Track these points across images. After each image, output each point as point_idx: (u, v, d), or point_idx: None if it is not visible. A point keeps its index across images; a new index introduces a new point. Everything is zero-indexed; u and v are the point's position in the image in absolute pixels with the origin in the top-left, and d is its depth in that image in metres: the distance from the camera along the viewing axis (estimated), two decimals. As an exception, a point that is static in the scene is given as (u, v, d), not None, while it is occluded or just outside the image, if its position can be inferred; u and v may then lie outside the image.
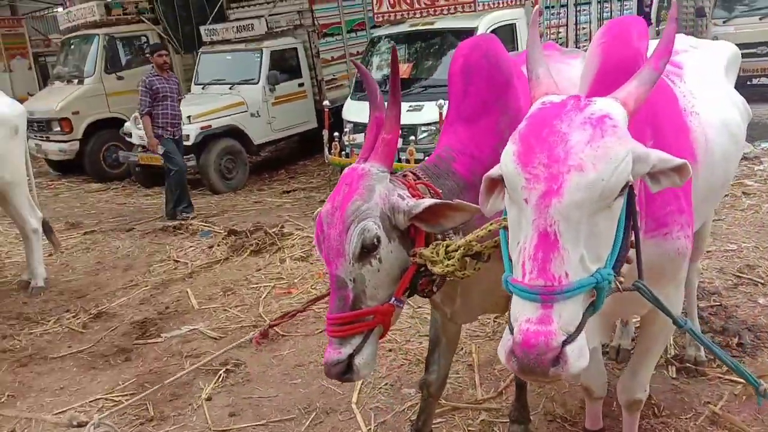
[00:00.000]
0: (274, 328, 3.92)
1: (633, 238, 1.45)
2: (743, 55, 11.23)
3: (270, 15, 9.53)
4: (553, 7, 7.77)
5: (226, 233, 5.99)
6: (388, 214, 1.73)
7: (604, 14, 8.66)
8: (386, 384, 3.35)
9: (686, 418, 2.85)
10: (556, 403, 3.04)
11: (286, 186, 8.50)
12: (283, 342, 3.86)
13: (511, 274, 1.36)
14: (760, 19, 11.01)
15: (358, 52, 9.36)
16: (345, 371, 1.73)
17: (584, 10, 8.29)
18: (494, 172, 1.49)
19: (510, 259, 1.41)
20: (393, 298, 1.77)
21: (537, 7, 1.92)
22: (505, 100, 2.07)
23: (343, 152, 6.78)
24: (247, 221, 6.43)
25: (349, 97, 7.67)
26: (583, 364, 1.28)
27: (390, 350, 3.69)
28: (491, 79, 2.05)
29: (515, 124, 1.46)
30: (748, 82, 11.98)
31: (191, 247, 5.87)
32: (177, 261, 5.54)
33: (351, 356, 1.73)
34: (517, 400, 2.75)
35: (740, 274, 4.26)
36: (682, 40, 3.05)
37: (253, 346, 3.81)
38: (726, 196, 6.20)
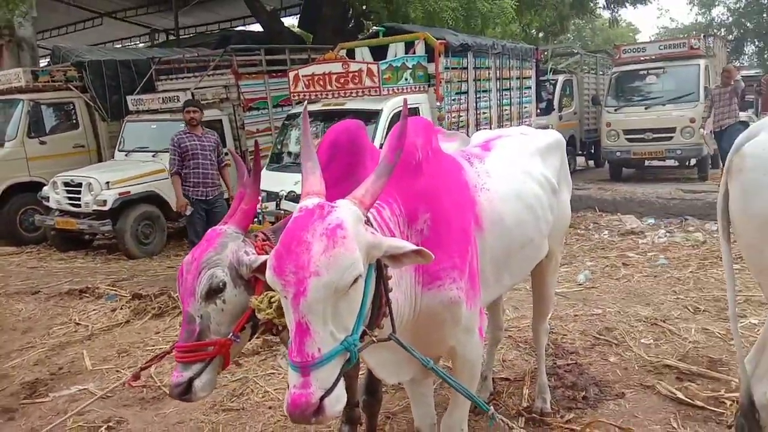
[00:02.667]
0: (164, 389, 4.13)
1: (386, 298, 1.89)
2: (633, 140, 12.56)
3: (196, 88, 9.92)
4: (456, 93, 8.50)
5: (130, 297, 6.09)
6: (235, 266, 2.09)
7: (504, 101, 9.49)
8: (261, 438, 3.54)
9: (522, 461, 3.18)
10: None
11: (202, 252, 8.65)
12: (168, 401, 3.98)
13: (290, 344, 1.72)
14: (646, 108, 12.27)
15: (282, 125, 9.84)
16: (185, 392, 2.04)
17: (484, 96, 9.08)
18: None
19: None
20: (231, 334, 2.10)
21: (305, 105, 2.32)
22: (357, 175, 2.46)
23: (256, 219, 7.07)
24: (155, 285, 6.55)
25: (264, 168, 8.03)
26: (340, 408, 1.70)
27: (270, 407, 3.89)
28: (351, 158, 2.42)
29: None
30: (645, 164, 13.18)
31: (94, 310, 5.94)
32: (78, 324, 5.59)
33: (191, 379, 2.04)
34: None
35: (598, 336, 4.73)
36: (516, 129, 3.62)
37: (138, 404, 3.96)
38: (606, 266, 6.85)
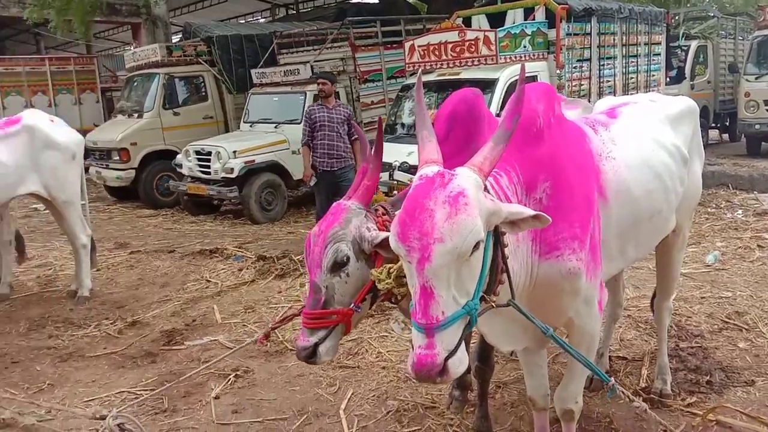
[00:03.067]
0: (287, 344, 4.41)
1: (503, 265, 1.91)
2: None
3: (315, 61, 10.23)
4: (578, 60, 8.15)
5: (255, 258, 6.50)
6: (358, 241, 2.19)
7: (630, 68, 8.96)
8: (374, 396, 3.70)
9: (639, 441, 3.10)
10: (524, 421, 3.33)
11: (320, 219, 9.01)
12: (290, 354, 4.26)
13: (413, 307, 1.78)
14: (792, 76, 11.11)
15: (396, 96, 9.94)
16: (310, 355, 2.19)
17: (609, 64, 8.62)
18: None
19: None
20: (353, 304, 2.21)
21: (419, 74, 2.31)
22: (476, 145, 2.48)
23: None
24: (278, 249, 6.92)
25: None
26: (462, 369, 1.76)
27: (383, 368, 4.05)
28: (470, 128, 2.44)
29: None
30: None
31: (223, 269, 6.40)
32: (209, 281, 6.06)
33: (316, 345, 2.19)
34: (478, 411, 3.08)
35: (727, 320, 4.45)
36: (645, 95, 3.44)
37: (263, 356, 4.27)
38: (738, 248, 6.38)
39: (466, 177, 1.77)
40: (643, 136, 2.76)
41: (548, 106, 2.26)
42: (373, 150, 2.40)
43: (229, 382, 3.92)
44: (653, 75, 9.69)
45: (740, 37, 15.03)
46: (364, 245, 2.19)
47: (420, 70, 2.81)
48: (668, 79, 11.15)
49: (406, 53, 8.07)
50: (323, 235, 2.19)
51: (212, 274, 6.24)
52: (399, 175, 7.01)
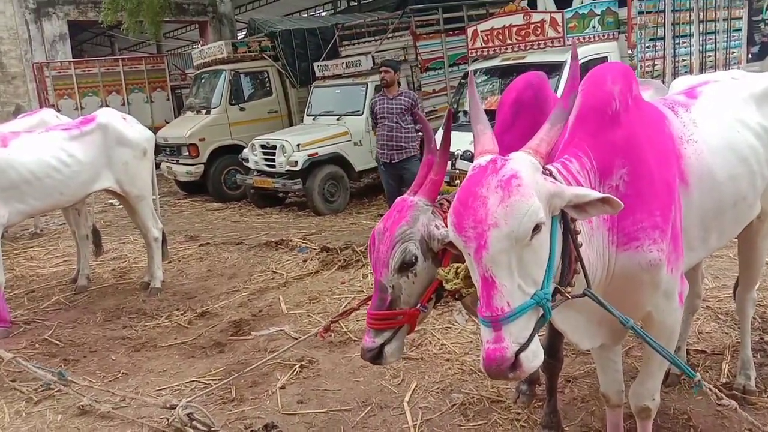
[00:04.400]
0: (351, 334, 4.42)
1: (576, 254, 1.80)
2: None
3: (377, 52, 10.20)
4: (651, 39, 7.75)
5: (319, 249, 6.55)
6: (426, 240, 2.12)
7: (707, 46, 8.45)
8: (438, 388, 3.65)
9: (721, 441, 2.92)
10: (595, 416, 3.20)
11: (382, 210, 8.99)
12: (354, 345, 4.26)
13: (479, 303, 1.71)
14: None
15: (459, 83, 9.78)
16: (376, 356, 2.14)
17: (684, 42, 8.15)
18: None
19: None
20: (419, 304, 2.15)
21: (470, 69, 2.20)
22: None
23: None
24: (340, 240, 6.96)
25: (440, 128, 8.05)
26: (537, 364, 1.67)
27: (447, 360, 3.99)
28: (536, 115, 2.33)
29: None
30: None
31: (288, 260, 6.49)
32: (275, 272, 6.16)
33: (382, 345, 2.14)
34: (547, 406, 2.97)
35: (819, 311, 4.14)
36: (726, 73, 3.20)
37: (327, 347, 4.29)
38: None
39: (519, 160, 1.72)
40: (726, 117, 2.57)
41: (625, 87, 2.12)
42: (442, 142, 2.32)
43: (295, 372, 3.96)
44: (733, 52, 9.10)
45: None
46: (432, 243, 2.12)
47: (470, 64, 2.69)
48: (750, 56, 10.45)
49: (469, 39, 7.91)
50: (389, 233, 2.12)
51: (278, 266, 6.34)
52: (462, 164, 6.88)
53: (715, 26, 8.61)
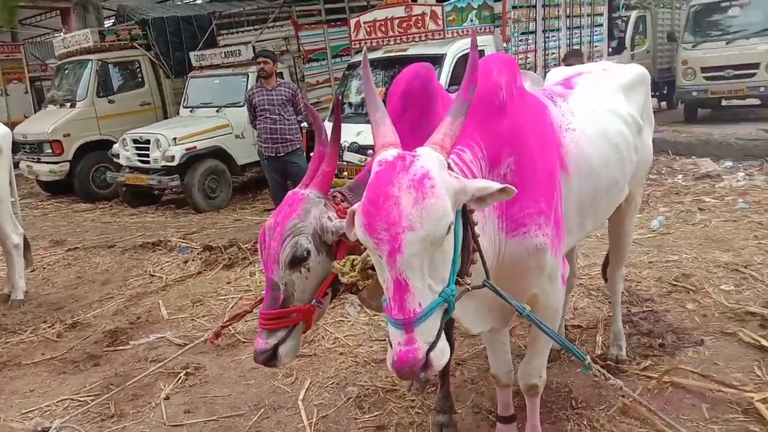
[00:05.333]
0: (239, 336, 4.26)
1: (474, 244, 1.81)
2: (711, 78, 11.74)
3: (257, 41, 9.92)
4: (523, 33, 8.13)
5: (201, 249, 6.26)
6: (319, 233, 2.04)
7: (574, 40, 9.02)
8: (333, 383, 3.60)
9: (599, 409, 3.09)
10: (485, 396, 3.30)
11: (267, 205, 8.79)
12: (243, 347, 4.11)
13: (386, 302, 1.66)
14: (727, 43, 11.42)
15: (343, 75, 9.75)
16: (270, 358, 2.04)
17: (553, 36, 8.64)
18: (357, 207, 1.72)
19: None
20: (314, 300, 2.08)
21: (365, 53, 2.15)
22: (431, 123, 2.35)
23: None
24: (224, 238, 6.70)
25: (326, 119, 7.99)
26: (446, 360, 1.66)
27: (341, 354, 3.95)
28: (424, 106, 2.31)
29: None
30: (722, 103, 12.41)
31: (167, 262, 6.14)
32: (153, 275, 5.81)
33: (276, 346, 2.04)
34: (440, 391, 3.02)
35: (675, 283, 4.53)
36: (597, 64, 3.41)
37: (214, 351, 4.10)
38: (681, 212, 6.53)
39: (428, 157, 1.66)
40: (599, 107, 2.71)
41: (510, 78, 2.16)
42: (332, 133, 2.24)
43: (180, 380, 3.75)
44: (596, 46, 9.78)
45: (678, 5, 15.38)
46: (326, 236, 2.05)
47: (365, 48, 2.66)
48: (610, 50, 11.29)
49: (352, 30, 7.90)
50: (280, 228, 2.03)
51: (156, 268, 5.99)
52: (349, 156, 6.88)
53: (581, 21, 9.21)
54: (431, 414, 3.10)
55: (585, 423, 3.00)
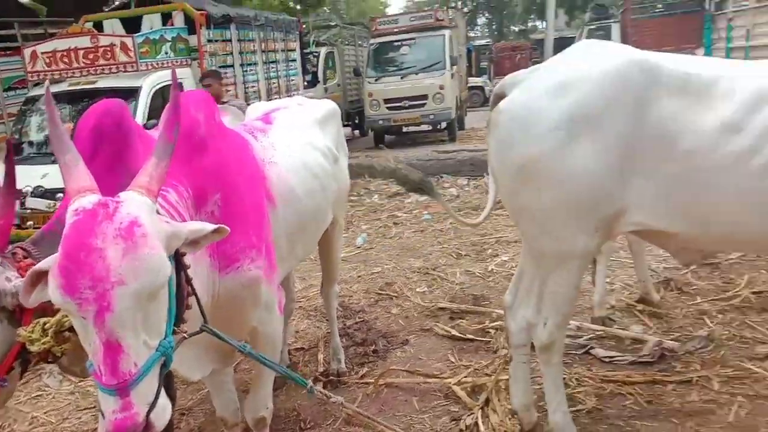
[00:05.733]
0: None
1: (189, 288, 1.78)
2: (393, 108, 13.32)
3: None
4: (222, 66, 8.24)
5: None
6: None
7: (271, 74, 9.47)
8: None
9: (326, 425, 3.29)
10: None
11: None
12: None
13: (93, 367, 1.50)
14: (402, 78, 13.23)
15: (19, 111, 8.63)
16: None
17: (251, 69, 8.96)
18: (42, 265, 1.55)
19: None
20: None
21: (47, 87, 1.89)
22: (128, 164, 2.23)
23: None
24: None
25: (0, 162, 6.98)
26: (168, 416, 1.55)
27: None
28: (119, 143, 2.12)
29: None
30: (403, 130, 14.29)
31: None
32: None
33: None
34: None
35: (380, 292, 5.08)
36: (292, 100, 3.68)
37: None
38: (380, 227, 7.31)
39: (134, 202, 1.54)
40: (298, 140, 2.92)
41: (208, 114, 2.21)
42: (5, 180, 1.99)
43: None
44: (292, 80, 10.42)
45: (360, 43, 17.17)
46: (5, 300, 1.79)
47: (47, 80, 2.44)
48: (306, 83, 12.12)
49: (27, 61, 7.06)
50: None
51: None
52: (33, 202, 6.07)
53: (276, 56, 9.71)
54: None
55: (314, 440, 3.16)
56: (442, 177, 9.77)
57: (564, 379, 3.36)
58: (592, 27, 17.57)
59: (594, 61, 2.35)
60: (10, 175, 1.98)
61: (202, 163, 2.09)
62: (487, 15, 47.67)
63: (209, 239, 1.71)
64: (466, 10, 38.00)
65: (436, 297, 4.89)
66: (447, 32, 13.62)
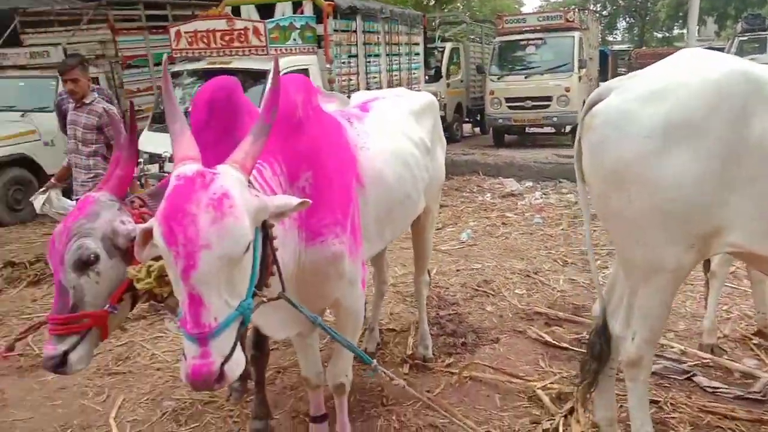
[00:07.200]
0: (41, 355, 3.96)
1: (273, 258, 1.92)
2: (514, 107, 13.09)
3: (69, 43, 9.24)
4: (347, 56, 8.52)
5: (2, 265, 5.70)
6: (110, 236, 2.03)
7: (393, 66, 9.63)
8: (148, 399, 3.52)
9: (407, 405, 3.37)
10: (303, 401, 3.43)
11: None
12: (48, 367, 3.85)
13: (181, 315, 1.66)
14: (526, 77, 12.92)
15: (165, 84, 9.41)
16: (59, 365, 1.99)
17: (374, 61, 9.17)
18: (149, 225, 1.72)
19: None
20: (108, 305, 2.06)
21: (165, 71, 2.00)
22: (236, 135, 2.44)
23: (139, 182, 6.78)
24: (30, 253, 6.16)
25: (146, 129, 7.69)
26: (240, 371, 1.70)
27: (158, 369, 3.87)
28: (230, 116, 2.37)
29: None
30: (526, 130, 13.96)
31: (-42, 282, 5.51)
32: (-58, 296, 5.18)
33: (66, 353, 1.99)
34: (256, 398, 3.11)
35: (477, 288, 5.07)
36: (392, 91, 3.75)
37: (15, 373, 3.80)
38: (487, 226, 7.25)
39: (228, 176, 1.68)
40: (392, 129, 3.01)
41: (306, 98, 2.34)
42: (127, 137, 2.25)
43: (-28, 406, 3.43)
44: (414, 73, 10.53)
45: (486, 41, 16.99)
46: (118, 240, 2.04)
47: (165, 57, 2.68)
48: (427, 78, 12.20)
49: (172, 39, 7.70)
50: (67, 230, 2.01)
51: (-54, 289, 5.34)
52: (170, 167, 6.67)
53: (399, 49, 9.86)
54: (249, 422, 3.17)
55: (394, 418, 3.25)
56: (560, 182, 9.51)
57: (659, 402, 3.24)
58: (744, 39, 16.08)
59: (695, 69, 2.22)
60: (131, 133, 2.24)
61: (298, 142, 2.23)
62: (628, 19, 45.38)
63: (293, 211, 1.84)
64: (605, 13, 36.35)
65: (534, 301, 4.80)
66: (577, 34, 13.14)
